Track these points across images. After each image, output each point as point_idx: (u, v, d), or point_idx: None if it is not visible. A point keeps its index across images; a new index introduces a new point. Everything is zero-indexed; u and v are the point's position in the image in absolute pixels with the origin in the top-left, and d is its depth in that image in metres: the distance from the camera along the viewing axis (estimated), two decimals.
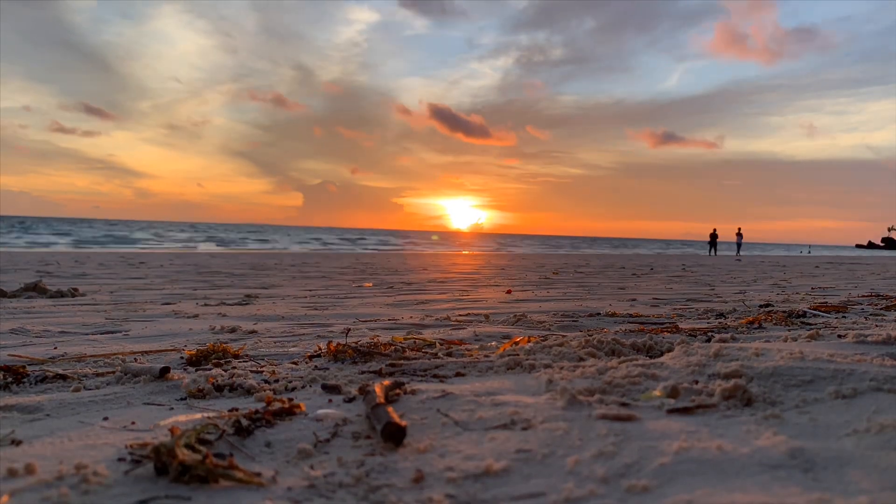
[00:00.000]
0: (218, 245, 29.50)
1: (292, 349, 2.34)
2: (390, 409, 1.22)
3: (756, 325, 2.85)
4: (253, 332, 2.85)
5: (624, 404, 1.34)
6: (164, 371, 1.72)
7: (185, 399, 1.55)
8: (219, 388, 1.60)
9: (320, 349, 2.20)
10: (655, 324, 3.10)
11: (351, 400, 1.46)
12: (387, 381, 1.49)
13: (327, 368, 1.90)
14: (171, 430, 1.11)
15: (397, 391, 1.48)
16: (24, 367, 1.78)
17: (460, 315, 3.54)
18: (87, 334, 2.78)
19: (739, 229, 27.13)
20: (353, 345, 2.16)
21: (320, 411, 1.34)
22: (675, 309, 3.95)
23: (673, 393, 1.41)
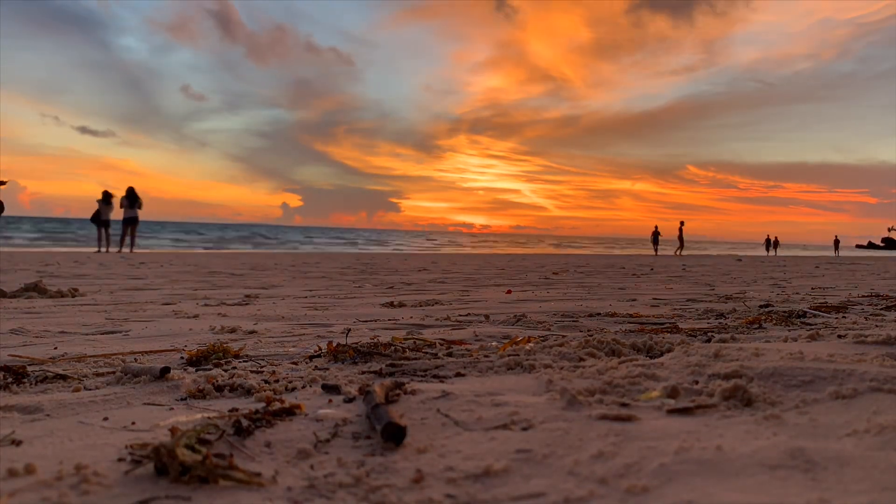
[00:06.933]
0: (217, 245, 29.51)
1: (292, 349, 2.34)
2: (390, 409, 1.22)
3: (756, 326, 2.85)
4: (253, 332, 2.85)
5: (624, 404, 1.34)
6: (165, 371, 1.73)
7: (186, 399, 1.55)
8: (219, 389, 1.60)
9: (320, 349, 2.20)
10: (655, 324, 3.10)
11: (351, 400, 1.47)
12: (387, 382, 1.49)
13: (327, 368, 1.90)
14: (172, 431, 1.11)
15: (397, 391, 1.48)
16: (24, 367, 1.78)
17: (460, 315, 3.55)
18: (87, 334, 2.78)
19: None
20: (354, 345, 2.16)
21: (320, 411, 1.34)
22: (674, 309, 3.95)
23: (673, 393, 1.41)
